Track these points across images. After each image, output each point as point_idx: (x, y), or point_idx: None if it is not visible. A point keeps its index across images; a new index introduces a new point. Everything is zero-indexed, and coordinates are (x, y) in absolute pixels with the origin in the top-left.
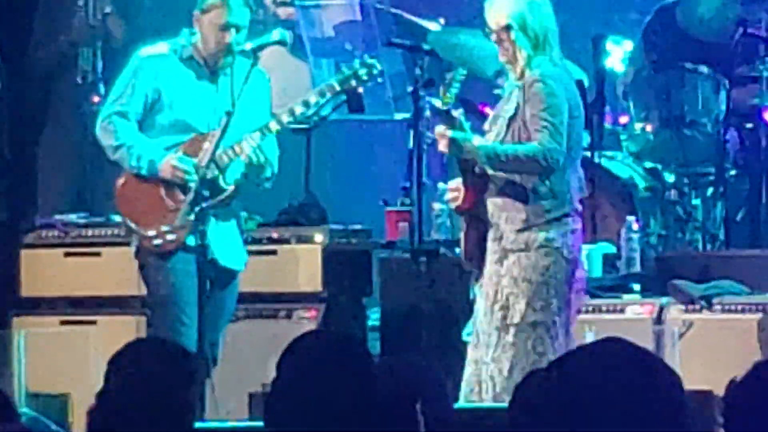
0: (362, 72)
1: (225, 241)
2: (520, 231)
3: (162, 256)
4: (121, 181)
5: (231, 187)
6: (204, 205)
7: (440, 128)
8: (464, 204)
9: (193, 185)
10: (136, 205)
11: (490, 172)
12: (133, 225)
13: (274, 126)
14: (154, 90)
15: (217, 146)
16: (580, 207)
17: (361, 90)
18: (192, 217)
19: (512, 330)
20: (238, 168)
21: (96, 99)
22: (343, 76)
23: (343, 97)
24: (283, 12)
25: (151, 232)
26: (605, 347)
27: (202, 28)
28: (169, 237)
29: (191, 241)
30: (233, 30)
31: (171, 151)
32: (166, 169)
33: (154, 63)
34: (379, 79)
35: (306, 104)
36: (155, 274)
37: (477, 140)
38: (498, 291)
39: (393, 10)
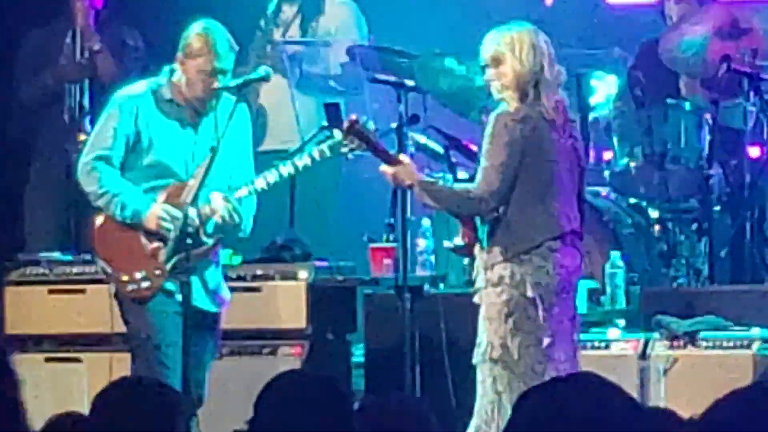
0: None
1: (206, 284)
2: (484, 269)
3: (138, 300)
4: (99, 221)
5: (210, 242)
6: (183, 256)
7: (383, 167)
8: (464, 239)
9: (173, 235)
10: (113, 248)
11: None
12: (108, 268)
13: (261, 184)
14: (133, 132)
15: (201, 186)
16: (554, 244)
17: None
18: (169, 266)
19: (478, 368)
20: (213, 223)
21: (82, 137)
22: (334, 143)
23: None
24: (290, 48)
25: (125, 278)
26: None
27: (187, 73)
28: (144, 284)
29: (171, 285)
30: (220, 75)
31: (150, 194)
32: (151, 220)
33: (132, 104)
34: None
35: (295, 167)
36: (134, 317)
37: (418, 175)
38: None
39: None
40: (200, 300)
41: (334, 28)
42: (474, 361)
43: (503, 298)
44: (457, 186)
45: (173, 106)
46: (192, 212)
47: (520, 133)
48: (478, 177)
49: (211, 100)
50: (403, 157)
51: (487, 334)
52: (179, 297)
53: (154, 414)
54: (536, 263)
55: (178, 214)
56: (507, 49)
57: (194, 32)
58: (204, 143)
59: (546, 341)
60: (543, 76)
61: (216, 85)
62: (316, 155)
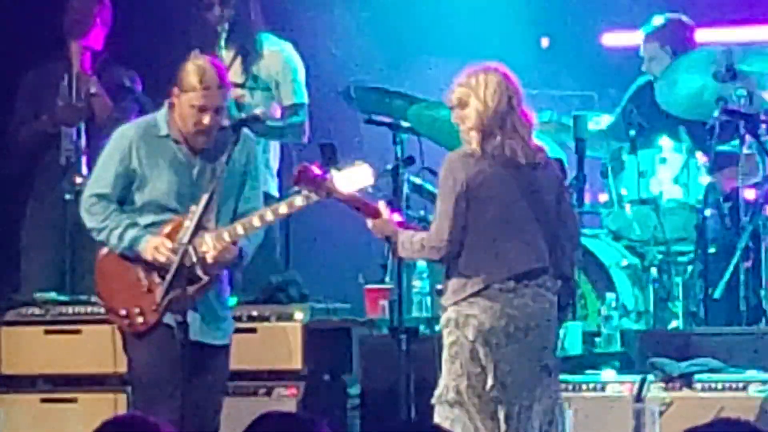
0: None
1: (206, 318)
2: (442, 311)
3: (136, 335)
4: (102, 253)
5: (206, 278)
6: (179, 293)
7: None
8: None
9: (169, 271)
10: (112, 282)
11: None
12: (104, 302)
13: (239, 230)
14: (131, 169)
15: (198, 224)
16: (507, 285)
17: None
18: (165, 302)
19: (435, 409)
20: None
21: (78, 180)
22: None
23: None
24: (233, 92)
25: (122, 312)
26: None
27: (180, 107)
28: (139, 319)
29: (169, 319)
30: (211, 113)
31: (150, 229)
32: (148, 251)
33: (129, 141)
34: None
35: (276, 214)
36: (132, 351)
37: (393, 226)
38: None
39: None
40: (200, 334)
41: (274, 73)
42: (432, 401)
43: (450, 339)
44: (419, 235)
45: (169, 141)
46: (189, 249)
47: (464, 175)
48: (432, 225)
49: (209, 137)
50: (380, 206)
51: (443, 376)
52: (177, 334)
53: None
54: (483, 305)
55: (175, 247)
56: (471, 91)
57: (188, 68)
58: (203, 179)
59: (491, 383)
60: (510, 117)
61: (206, 121)
62: (284, 209)
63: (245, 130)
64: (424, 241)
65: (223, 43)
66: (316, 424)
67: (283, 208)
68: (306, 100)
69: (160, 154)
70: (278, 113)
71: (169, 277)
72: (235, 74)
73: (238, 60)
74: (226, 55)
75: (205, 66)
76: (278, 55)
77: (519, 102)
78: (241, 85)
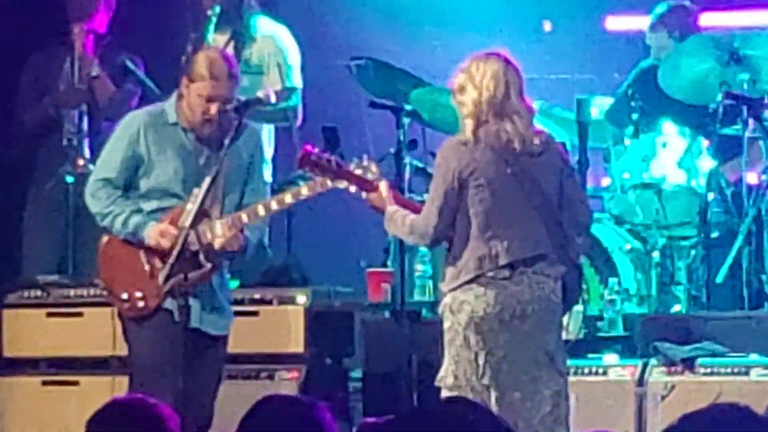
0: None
1: (206, 307)
2: (441, 295)
3: (136, 319)
4: (105, 239)
5: (209, 265)
6: (181, 278)
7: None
8: None
9: (172, 256)
10: (115, 266)
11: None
12: (106, 286)
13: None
14: (138, 155)
15: (199, 209)
16: (501, 272)
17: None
18: (167, 288)
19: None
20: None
21: (80, 162)
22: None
23: None
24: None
25: (124, 296)
26: None
27: (188, 96)
28: (140, 304)
29: (170, 304)
30: (219, 102)
31: (154, 215)
32: (151, 237)
33: (137, 128)
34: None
35: (281, 203)
36: (131, 336)
37: (388, 202)
38: None
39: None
40: (200, 322)
41: (266, 57)
42: (435, 383)
43: (447, 325)
44: (409, 217)
45: (177, 129)
46: (191, 235)
47: (456, 163)
48: (422, 210)
49: (214, 125)
50: (382, 185)
51: (444, 361)
52: (178, 318)
53: None
54: (477, 292)
55: (178, 231)
56: (469, 78)
57: (199, 58)
58: (209, 168)
59: (481, 371)
60: (508, 105)
61: (213, 110)
62: (290, 199)
63: (252, 124)
64: (413, 226)
65: (213, 26)
66: (318, 408)
67: (288, 198)
68: (299, 84)
69: (168, 142)
70: (273, 98)
71: (171, 260)
72: None
73: (231, 44)
74: (219, 38)
75: (215, 57)
76: (271, 38)
77: (519, 90)
78: None
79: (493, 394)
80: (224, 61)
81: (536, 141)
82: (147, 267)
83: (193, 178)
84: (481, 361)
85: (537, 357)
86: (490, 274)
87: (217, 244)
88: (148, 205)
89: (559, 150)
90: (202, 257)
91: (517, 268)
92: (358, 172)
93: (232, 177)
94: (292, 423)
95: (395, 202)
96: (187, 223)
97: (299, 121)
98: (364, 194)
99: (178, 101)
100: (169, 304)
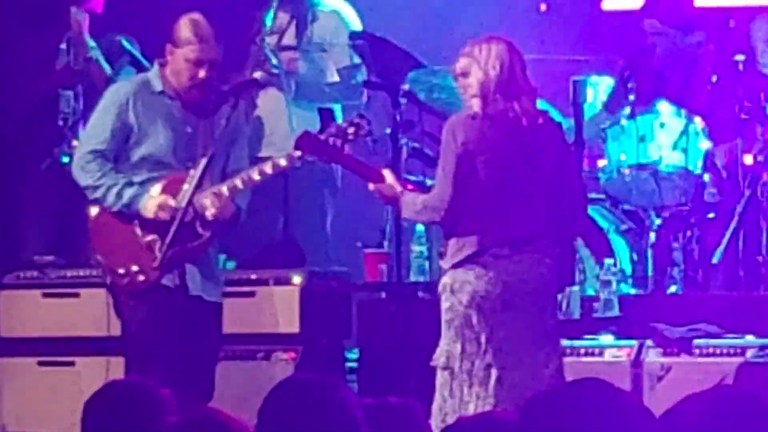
0: (350, 131)
1: (204, 274)
2: (441, 273)
3: (133, 294)
4: (94, 212)
5: (207, 234)
6: (179, 249)
7: (369, 185)
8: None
9: (170, 228)
10: (108, 240)
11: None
12: (102, 259)
13: (255, 176)
14: (126, 125)
15: (196, 187)
16: (501, 251)
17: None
18: (165, 260)
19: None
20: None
21: (76, 143)
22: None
23: None
24: (286, 60)
25: (121, 270)
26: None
27: (175, 63)
28: (140, 277)
29: (168, 280)
30: (206, 66)
31: (144, 186)
32: (149, 209)
33: (124, 97)
34: (367, 138)
35: (275, 166)
36: (127, 311)
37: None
38: None
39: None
40: (201, 289)
41: (329, 35)
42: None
43: (446, 305)
44: (422, 197)
45: (164, 98)
46: (189, 209)
47: (464, 137)
48: (434, 187)
49: (200, 92)
50: (386, 173)
51: (441, 341)
52: (175, 289)
53: (142, 417)
54: (478, 271)
55: (175, 204)
56: (473, 61)
57: (182, 22)
58: (200, 138)
59: (484, 349)
60: (513, 83)
61: (201, 74)
62: (268, 169)
63: (273, 90)
64: (426, 202)
65: (276, 4)
66: (343, 390)
67: (267, 168)
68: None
69: (156, 110)
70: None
71: (171, 233)
72: (288, 37)
73: (293, 23)
74: (282, 17)
75: (199, 19)
76: (333, 15)
77: (522, 69)
78: (294, 48)
79: (494, 374)
80: (208, 26)
81: (540, 120)
82: (144, 240)
83: (183, 146)
84: (483, 341)
85: (538, 335)
86: (492, 251)
87: (210, 215)
88: (138, 176)
89: (559, 130)
90: (199, 227)
91: (517, 246)
92: (350, 130)
93: (219, 149)
94: (317, 405)
95: (402, 188)
96: (184, 202)
97: (365, 98)
98: (371, 186)
99: (161, 70)
100: (166, 280)
